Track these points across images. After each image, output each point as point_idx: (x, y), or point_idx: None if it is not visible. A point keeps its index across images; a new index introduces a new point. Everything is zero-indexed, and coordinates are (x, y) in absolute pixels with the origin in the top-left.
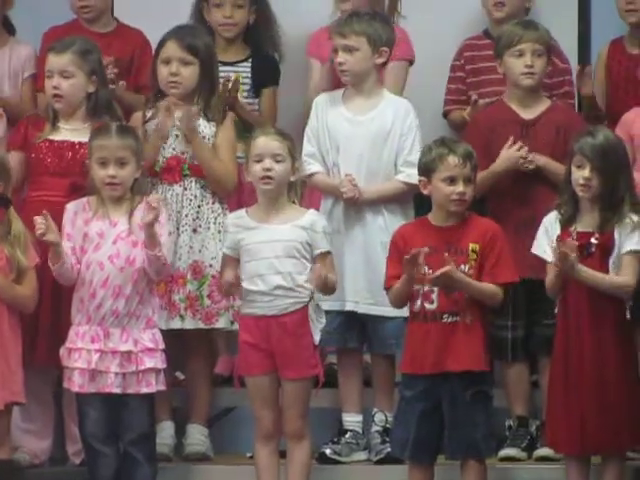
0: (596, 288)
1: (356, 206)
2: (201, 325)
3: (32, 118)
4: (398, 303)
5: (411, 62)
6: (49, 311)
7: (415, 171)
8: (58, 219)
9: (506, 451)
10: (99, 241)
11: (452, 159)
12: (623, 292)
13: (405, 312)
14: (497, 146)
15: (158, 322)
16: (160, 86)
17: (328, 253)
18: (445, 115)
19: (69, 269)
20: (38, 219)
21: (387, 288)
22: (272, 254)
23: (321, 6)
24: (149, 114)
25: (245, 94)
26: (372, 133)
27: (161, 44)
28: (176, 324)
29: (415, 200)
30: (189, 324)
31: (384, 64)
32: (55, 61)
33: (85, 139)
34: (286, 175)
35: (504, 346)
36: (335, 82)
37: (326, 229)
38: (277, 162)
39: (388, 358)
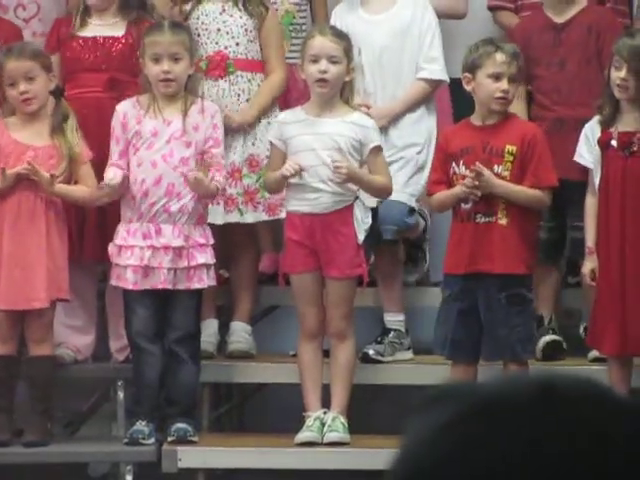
0: None
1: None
2: (264, 217)
3: (63, 19)
4: (440, 210)
5: None
6: (96, 208)
7: (437, 66)
8: (98, 114)
9: None
10: (152, 140)
11: (499, 56)
12: None
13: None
14: (534, 55)
15: (213, 217)
16: None
17: (380, 149)
18: (490, 9)
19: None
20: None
21: (430, 194)
22: (320, 146)
23: None
24: (188, 7)
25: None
26: (391, 30)
27: None
28: (234, 217)
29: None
30: (250, 217)
31: None
32: None
33: (117, 33)
34: (341, 76)
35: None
36: None
37: (376, 126)
38: (333, 63)
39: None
